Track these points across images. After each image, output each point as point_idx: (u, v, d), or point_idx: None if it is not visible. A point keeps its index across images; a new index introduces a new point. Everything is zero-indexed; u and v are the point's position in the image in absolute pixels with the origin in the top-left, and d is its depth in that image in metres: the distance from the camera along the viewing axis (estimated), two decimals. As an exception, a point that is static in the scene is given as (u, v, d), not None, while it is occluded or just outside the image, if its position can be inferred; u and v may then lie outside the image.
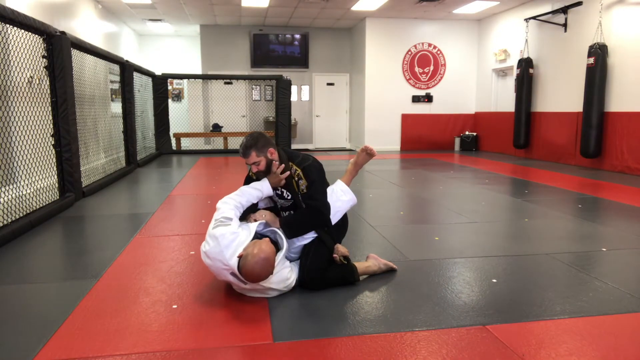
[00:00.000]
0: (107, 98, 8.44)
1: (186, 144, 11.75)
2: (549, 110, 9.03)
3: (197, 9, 10.00)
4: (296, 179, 2.66)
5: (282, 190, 2.71)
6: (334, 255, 2.66)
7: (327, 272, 2.61)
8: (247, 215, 2.68)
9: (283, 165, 2.65)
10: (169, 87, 12.25)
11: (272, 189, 2.68)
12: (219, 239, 2.31)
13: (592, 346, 2.01)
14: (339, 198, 2.85)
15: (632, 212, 4.62)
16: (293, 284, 2.54)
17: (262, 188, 2.64)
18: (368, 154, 3.06)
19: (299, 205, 2.69)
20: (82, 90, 6.09)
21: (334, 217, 2.80)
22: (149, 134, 10.36)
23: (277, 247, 2.48)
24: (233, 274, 2.32)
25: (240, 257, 2.28)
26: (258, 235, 2.48)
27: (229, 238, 2.31)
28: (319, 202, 2.63)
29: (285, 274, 2.48)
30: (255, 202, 2.65)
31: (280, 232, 2.56)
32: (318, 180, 2.66)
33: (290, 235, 2.60)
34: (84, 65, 6.20)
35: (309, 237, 2.67)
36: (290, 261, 2.65)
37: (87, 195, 5.38)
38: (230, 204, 2.52)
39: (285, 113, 10.85)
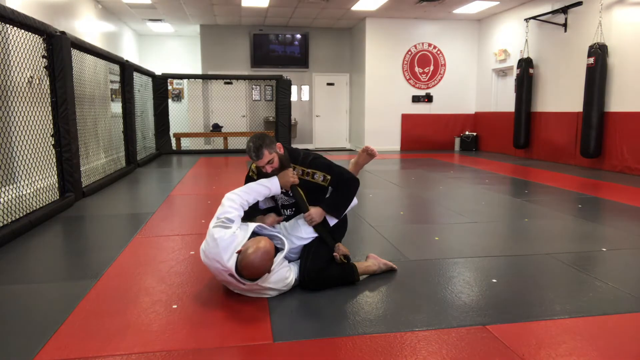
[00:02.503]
0: (107, 98, 8.44)
1: (186, 144, 11.75)
2: (549, 110, 9.03)
3: (197, 9, 10.00)
4: (308, 178, 2.68)
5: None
6: (335, 254, 2.67)
7: (327, 272, 2.61)
8: (253, 218, 2.67)
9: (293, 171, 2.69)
10: (169, 87, 12.25)
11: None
12: (217, 241, 2.32)
13: (592, 346, 2.01)
14: None
15: (632, 212, 4.62)
16: (292, 283, 2.53)
17: (271, 186, 2.62)
18: (369, 154, 3.08)
19: (301, 206, 2.69)
20: (82, 90, 6.09)
21: None
22: (149, 134, 10.36)
23: (276, 250, 2.48)
24: (231, 275, 2.32)
25: (239, 252, 2.28)
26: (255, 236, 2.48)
27: (227, 240, 2.31)
28: (346, 174, 2.71)
29: (283, 273, 2.47)
30: (261, 199, 2.65)
31: (280, 235, 2.56)
32: (330, 162, 2.76)
33: (340, 214, 2.71)
34: (84, 65, 6.20)
35: (309, 237, 2.67)
36: (290, 261, 2.65)
37: (87, 195, 5.38)
38: (237, 202, 2.49)
39: (285, 113, 10.85)
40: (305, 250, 2.65)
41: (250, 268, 2.24)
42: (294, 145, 12.51)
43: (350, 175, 2.74)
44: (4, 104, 4.16)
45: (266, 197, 2.72)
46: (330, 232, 2.73)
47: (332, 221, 2.74)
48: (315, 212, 2.64)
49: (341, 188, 2.70)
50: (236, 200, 2.51)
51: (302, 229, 2.67)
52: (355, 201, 2.95)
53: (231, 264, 2.28)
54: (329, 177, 2.67)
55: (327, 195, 2.77)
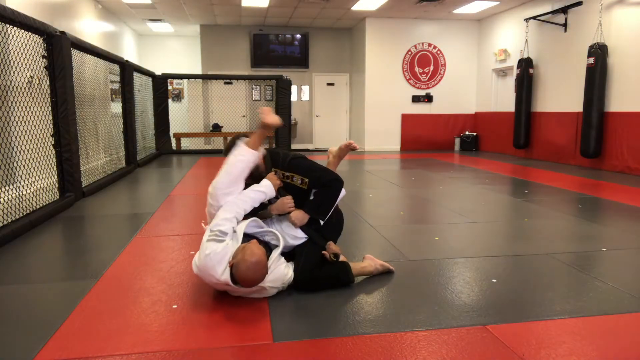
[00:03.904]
0: (107, 98, 8.44)
1: (186, 144, 11.75)
2: (549, 110, 9.03)
3: (197, 9, 10.00)
4: (289, 181, 2.66)
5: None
6: (324, 252, 2.64)
7: (320, 273, 2.60)
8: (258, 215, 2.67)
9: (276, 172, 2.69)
10: (169, 87, 12.25)
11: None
12: (210, 255, 2.25)
13: (592, 346, 2.01)
14: None
15: (632, 212, 4.62)
16: (291, 280, 2.52)
17: (266, 190, 2.59)
18: (351, 148, 3.13)
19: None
20: (82, 90, 6.09)
21: None
22: (149, 134, 10.35)
23: (268, 247, 2.47)
24: (227, 284, 2.30)
25: (231, 265, 2.25)
26: (247, 238, 2.45)
27: (219, 254, 2.26)
28: (325, 177, 2.65)
29: (282, 271, 2.46)
30: (257, 205, 2.60)
31: (274, 230, 2.55)
32: (309, 163, 2.72)
33: (325, 215, 2.65)
34: (84, 65, 6.20)
35: (302, 237, 2.66)
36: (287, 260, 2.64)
37: (87, 195, 5.38)
38: (231, 213, 2.43)
39: (285, 113, 10.86)
40: (298, 251, 2.64)
41: (246, 281, 2.23)
42: (294, 146, 12.51)
43: (331, 176, 2.67)
44: (4, 104, 4.16)
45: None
46: (320, 231, 2.70)
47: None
48: (296, 215, 2.61)
49: (322, 190, 2.65)
50: (232, 211, 2.45)
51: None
52: (343, 192, 2.90)
53: (225, 277, 2.25)
54: (306, 179, 2.64)
55: (311, 197, 2.70)
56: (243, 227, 2.46)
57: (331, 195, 2.67)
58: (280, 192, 2.67)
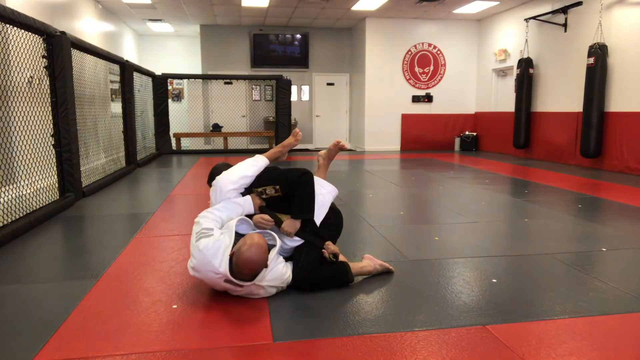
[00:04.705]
0: (107, 98, 8.44)
1: (186, 144, 11.75)
2: (549, 110, 9.03)
3: (197, 9, 10.00)
4: (264, 196, 2.70)
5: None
6: (323, 250, 2.65)
7: (320, 272, 2.60)
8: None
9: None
10: (169, 87, 12.24)
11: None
12: (203, 251, 2.29)
13: (592, 346, 2.01)
14: (319, 192, 2.84)
15: (632, 212, 4.62)
16: (290, 279, 2.53)
17: (244, 205, 2.65)
18: (339, 148, 3.15)
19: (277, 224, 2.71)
20: (82, 90, 6.09)
21: (320, 211, 2.79)
22: (149, 134, 10.35)
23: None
24: (227, 280, 2.31)
25: (232, 255, 2.27)
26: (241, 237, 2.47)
27: (213, 247, 2.29)
28: (291, 176, 2.67)
29: (280, 269, 2.47)
30: (235, 217, 2.61)
31: (270, 231, 2.56)
32: (276, 172, 2.76)
33: (310, 212, 2.65)
34: (84, 65, 6.20)
35: (299, 239, 2.66)
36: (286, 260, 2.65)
37: (87, 195, 5.38)
38: (210, 218, 2.50)
39: (285, 113, 10.85)
40: (297, 251, 2.65)
41: (248, 264, 2.23)
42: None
43: (297, 173, 2.67)
44: (4, 104, 4.16)
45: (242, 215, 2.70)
46: (316, 233, 2.70)
47: (318, 219, 2.74)
48: (287, 224, 2.62)
49: (297, 190, 2.64)
50: (209, 217, 2.51)
51: None
52: (335, 190, 2.96)
53: (224, 268, 2.26)
54: (277, 186, 2.67)
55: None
56: (234, 224, 2.48)
57: (306, 190, 2.65)
58: (264, 211, 2.69)
